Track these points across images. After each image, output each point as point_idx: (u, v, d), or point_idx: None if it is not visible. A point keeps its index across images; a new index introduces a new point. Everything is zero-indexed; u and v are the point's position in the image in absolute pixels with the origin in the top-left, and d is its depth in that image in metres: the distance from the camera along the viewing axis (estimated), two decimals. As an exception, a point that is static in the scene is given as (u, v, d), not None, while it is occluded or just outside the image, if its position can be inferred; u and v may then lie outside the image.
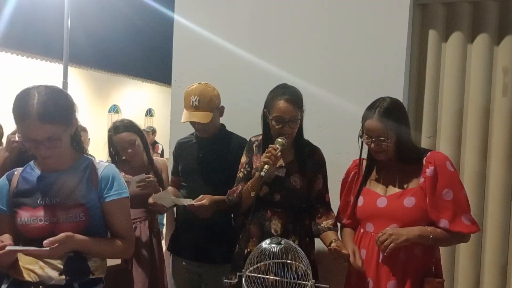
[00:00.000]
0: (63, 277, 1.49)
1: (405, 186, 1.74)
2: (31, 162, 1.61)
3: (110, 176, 1.58)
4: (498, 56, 2.26)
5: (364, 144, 1.80)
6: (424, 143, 2.36)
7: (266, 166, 1.81)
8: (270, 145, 1.87)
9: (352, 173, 1.90)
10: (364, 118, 1.76)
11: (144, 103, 14.46)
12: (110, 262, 2.14)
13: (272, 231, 1.90)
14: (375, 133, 1.72)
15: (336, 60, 2.40)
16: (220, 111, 2.27)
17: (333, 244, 1.74)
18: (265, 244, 1.51)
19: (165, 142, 7.70)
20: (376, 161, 1.83)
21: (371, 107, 1.75)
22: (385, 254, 1.66)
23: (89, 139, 3.93)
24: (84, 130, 4.09)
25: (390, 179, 1.78)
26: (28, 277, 1.49)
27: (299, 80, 2.41)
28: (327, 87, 2.40)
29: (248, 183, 1.94)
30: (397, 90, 2.24)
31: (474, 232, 1.73)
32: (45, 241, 1.39)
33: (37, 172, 1.57)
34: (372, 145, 1.74)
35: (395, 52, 2.27)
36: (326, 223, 1.93)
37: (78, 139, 1.63)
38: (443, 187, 1.68)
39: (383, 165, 1.81)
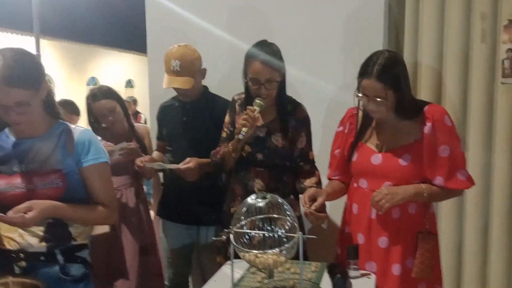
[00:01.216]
0: (44, 243, 1.48)
1: (401, 142, 1.69)
2: (6, 129, 1.56)
3: (87, 141, 1.54)
4: (476, 1, 2.23)
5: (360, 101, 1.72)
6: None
7: (244, 129, 1.80)
8: (248, 107, 1.85)
9: (348, 124, 1.82)
10: (361, 76, 1.64)
11: (123, 74, 14.13)
12: (99, 230, 2.15)
13: (255, 189, 1.91)
14: (372, 93, 1.62)
15: (314, 17, 2.37)
16: (202, 73, 2.23)
17: (308, 209, 1.68)
18: (251, 199, 1.52)
19: (147, 112, 7.61)
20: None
21: (368, 64, 1.63)
22: (380, 213, 1.65)
23: None
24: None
25: (386, 135, 1.73)
26: (8, 245, 1.48)
27: (278, 38, 2.38)
28: (307, 45, 2.38)
29: (229, 144, 1.93)
30: (376, 42, 2.23)
31: (468, 188, 1.73)
32: (9, 211, 1.37)
33: (12, 138, 1.53)
34: (370, 105, 1.65)
35: (374, 4, 2.25)
36: (309, 181, 1.93)
37: (51, 103, 1.57)
38: (440, 143, 1.65)
39: (379, 120, 1.74)
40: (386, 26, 2.30)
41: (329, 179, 1.91)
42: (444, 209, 2.35)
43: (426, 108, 1.68)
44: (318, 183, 1.95)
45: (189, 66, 2.10)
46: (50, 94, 1.56)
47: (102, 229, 2.22)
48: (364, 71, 1.63)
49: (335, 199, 1.88)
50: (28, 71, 1.40)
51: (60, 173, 1.49)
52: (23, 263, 1.47)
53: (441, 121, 1.66)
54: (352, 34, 2.31)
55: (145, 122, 6.89)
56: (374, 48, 2.20)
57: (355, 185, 1.81)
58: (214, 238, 1.82)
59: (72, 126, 1.59)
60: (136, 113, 7.05)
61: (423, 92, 2.34)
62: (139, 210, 2.48)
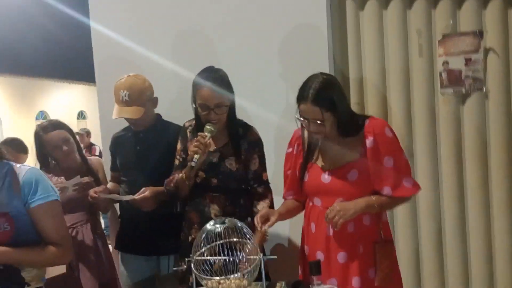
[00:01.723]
0: None
1: (347, 159, 1.74)
2: None
3: (34, 180, 1.48)
4: (411, 19, 2.38)
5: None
6: (354, 109, 2.46)
7: (196, 156, 1.80)
8: (199, 133, 1.85)
9: (295, 145, 1.86)
10: (298, 100, 1.70)
11: (74, 105, 13.78)
12: (55, 271, 2.05)
13: (212, 215, 1.90)
14: (310, 116, 1.68)
15: (259, 40, 2.43)
16: (153, 102, 2.22)
17: (260, 229, 1.71)
18: (209, 225, 1.51)
19: (101, 143, 7.42)
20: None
21: (304, 88, 1.69)
22: (335, 229, 1.68)
23: None
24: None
25: (332, 154, 1.77)
26: None
27: (226, 62, 2.42)
28: (253, 68, 2.43)
29: (182, 172, 1.91)
30: (323, 61, 2.32)
31: (415, 193, 1.80)
32: None
33: None
34: (310, 127, 1.71)
35: (317, 25, 2.35)
36: (262, 205, 1.94)
37: None
38: (384, 155, 1.70)
39: (324, 140, 1.78)
40: (331, 47, 2.39)
41: (284, 198, 1.93)
42: (400, 218, 2.44)
43: (366, 122, 1.74)
44: (271, 206, 1.95)
45: (138, 95, 2.09)
46: None
47: (58, 270, 2.12)
48: (301, 96, 1.69)
49: (288, 218, 1.90)
50: None
51: (7, 216, 1.42)
52: None
53: (382, 134, 1.72)
54: (296, 57, 2.38)
55: (100, 154, 6.71)
56: (321, 68, 2.30)
57: (310, 204, 1.84)
58: (174, 268, 1.78)
59: (17, 165, 1.52)
60: (91, 145, 6.86)
61: (370, 106, 2.44)
62: (97, 246, 2.39)
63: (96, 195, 2.15)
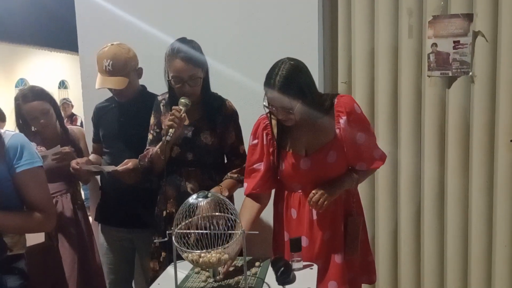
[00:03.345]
0: None
1: (323, 141, 1.72)
2: None
3: (19, 145, 1.46)
4: (403, -2, 2.35)
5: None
6: (341, 89, 2.45)
7: (171, 130, 1.76)
8: (173, 107, 1.80)
9: (263, 134, 1.78)
10: (265, 87, 1.65)
11: (55, 74, 13.42)
12: (33, 240, 2.03)
13: (189, 190, 1.87)
14: (277, 104, 1.64)
15: (249, 12, 2.37)
16: (138, 73, 2.16)
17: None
18: (192, 199, 1.49)
19: (82, 113, 7.29)
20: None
21: (270, 76, 1.62)
22: (320, 211, 1.70)
23: None
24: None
25: (307, 138, 1.74)
26: None
27: (213, 33, 2.37)
28: (241, 41, 2.38)
29: (157, 147, 1.88)
30: (312, 39, 2.28)
31: (384, 163, 1.83)
32: None
33: None
34: (278, 114, 1.67)
35: (307, 2, 2.29)
36: (230, 173, 1.91)
37: None
38: (357, 132, 1.71)
39: (296, 126, 1.73)
40: (321, 25, 2.35)
41: (247, 194, 1.82)
42: (380, 200, 2.47)
43: (335, 101, 1.72)
44: (240, 174, 1.89)
45: (122, 65, 2.03)
46: None
47: (36, 239, 2.09)
48: (268, 83, 1.64)
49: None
50: None
51: None
52: None
53: (353, 111, 1.71)
54: (286, 35, 2.33)
55: (82, 124, 6.60)
56: (310, 46, 2.26)
57: (286, 192, 1.81)
58: (155, 240, 1.78)
59: (2, 131, 1.49)
60: (72, 115, 6.73)
61: (357, 85, 2.43)
62: (76, 217, 2.36)
63: (77, 167, 2.11)
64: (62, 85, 13.85)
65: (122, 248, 2.24)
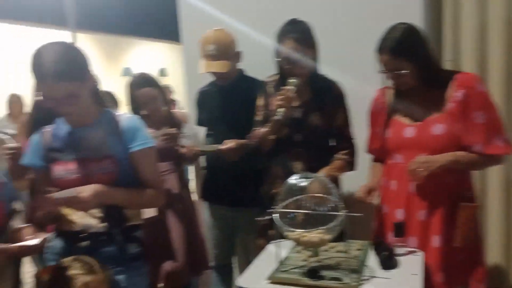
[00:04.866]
0: (103, 224, 1.55)
1: (433, 113, 1.68)
2: (60, 119, 1.64)
3: (133, 127, 1.60)
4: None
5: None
6: (446, 67, 2.30)
7: (280, 110, 1.80)
8: (283, 87, 1.84)
9: (378, 103, 1.85)
10: (377, 52, 1.69)
11: (156, 63, 14.32)
12: (146, 214, 2.22)
13: (296, 170, 1.90)
14: (389, 67, 1.66)
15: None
16: (238, 56, 2.24)
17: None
18: (294, 179, 1.53)
19: (180, 99, 7.68)
20: (401, 90, 1.77)
21: (383, 39, 1.67)
22: (418, 182, 1.65)
23: None
24: None
25: (417, 107, 1.72)
26: (70, 227, 1.56)
27: (313, 13, 2.35)
28: (342, 16, 2.33)
29: (266, 127, 1.93)
30: (414, 13, 2.16)
31: (509, 153, 1.69)
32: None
33: (66, 128, 1.60)
34: (391, 78, 1.69)
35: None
36: (340, 154, 1.92)
37: (97, 93, 1.64)
38: (475, 109, 1.62)
39: (409, 93, 1.74)
40: (424, 5, 2.22)
41: (371, 153, 1.94)
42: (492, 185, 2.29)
43: (457, 76, 1.67)
44: (351, 160, 1.92)
45: (225, 49, 2.12)
46: (95, 84, 1.61)
47: (148, 213, 2.29)
48: (380, 47, 1.67)
49: None
50: (74, 64, 1.45)
51: (113, 159, 1.55)
52: (85, 243, 1.56)
53: (474, 88, 1.64)
54: (389, 13, 2.23)
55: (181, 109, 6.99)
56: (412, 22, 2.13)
57: (390, 161, 1.80)
58: (257, 219, 1.84)
59: (119, 113, 1.65)
60: (172, 101, 7.16)
61: (465, 65, 2.26)
62: (182, 195, 2.54)
63: (186, 150, 2.24)
64: (162, 72, 14.73)
65: (224, 225, 2.37)
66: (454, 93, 1.64)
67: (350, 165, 1.93)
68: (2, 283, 1.35)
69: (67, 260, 1.42)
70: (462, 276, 1.73)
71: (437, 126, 1.67)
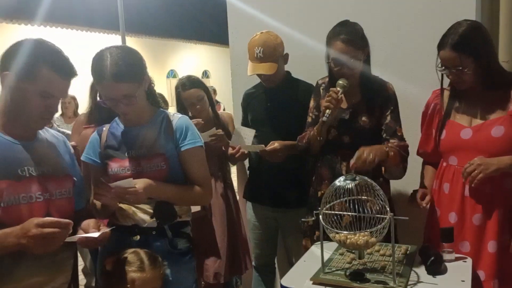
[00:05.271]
0: (154, 219, 1.62)
1: (492, 114, 1.64)
2: (116, 118, 1.73)
3: (184, 127, 1.65)
4: None
5: (444, 75, 1.70)
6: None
7: (327, 111, 1.80)
8: (331, 89, 1.84)
9: (433, 104, 1.81)
10: (438, 48, 1.65)
11: (199, 65, 14.63)
12: (192, 209, 2.27)
13: (343, 172, 1.89)
14: (450, 63, 1.62)
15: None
16: (285, 58, 2.27)
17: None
18: (340, 181, 1.52)
19: (222, 101, 7.80)
20: (459, 90, 1.72)
21: (445, 35, 1.64)
22: (472, 185, 1.60)
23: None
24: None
25: (475, 109, 1.67)
26: (123, 221, 1.65)
27: (362, 15, 2.32)
28: (394, 17, 2.28)
29: (315, 128, 1.94)
30: (469, 13, 2.09)
31: None
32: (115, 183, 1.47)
33: (122, 127, 1.69)
34: (450, 76, 1.65)
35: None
36: (390, 143, 1.85)
37: (152, 93, 1.71)
38: None
39: (467, 94, 1.70)
40: (479, 5, 2.15)
41: (422, 156, 1.91)
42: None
43: None
44: (402, 148, 1.84)
45: (272, 52, 2.15)
46: (151, 85, 1.69)
47: (194, 209, 2.35)
48: (441, 43, 1.64)
49: None
50: (132, 66, 1.53)
51: (164, 157, 1.61)
52: (138, 237, 1.63)
53: None
54: (443, 13, 2.17)
55: (224, 110, 7.10)
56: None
57: (444, 164, 1.77)
58: (302, 220, 1.86)
59: (171, 113, 1.71)
60: (216, 102, 7.28)
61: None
62: (226, 195, 2.59)
63: (232, 151, 2.30)
64: (205, 74, 14.99)
65: (267, 225, 2.39)
66: None
67: (403, 159, 1.84)
68: (61, 274, 1.43)
69: (126, 252, 1.50)
70: None
71: (497, 128, 1.61)
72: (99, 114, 2.20)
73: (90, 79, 1.64)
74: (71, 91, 1.55)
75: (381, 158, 1.67)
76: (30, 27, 8.84)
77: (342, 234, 1.50)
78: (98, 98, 2.36)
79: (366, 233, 1.49)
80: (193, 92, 2.52)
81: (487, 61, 1.60)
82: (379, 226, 1.46)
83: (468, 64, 1.58)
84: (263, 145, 2.15)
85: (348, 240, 1.50)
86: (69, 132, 2.93)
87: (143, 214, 1.63)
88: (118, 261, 1.50)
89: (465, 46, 1.59)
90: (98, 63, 1.51)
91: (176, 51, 13.75)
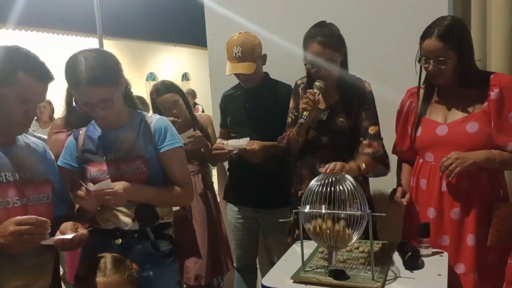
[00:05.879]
0: (136, 222, 1.61)
1: (467, 111, 1.67)
2: (93, 121, 1.70)
3: (163, 128, 1.64)
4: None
5: (422, 71, 1.73)
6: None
7: (305, 113, 1.81)
8: (308, 90, 1.85)
9: (408, 102, 1.83)
10: (422, 38, 1.67)
11: (179, 68, 14.56)
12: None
13: (321, 172, 1.91)
14: (433, 54, 1.63)
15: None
16: (263, 59, 2.28)
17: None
18: (318, 181, 1.53)
19: (203, 103, 7.78)
20: (435, 87, 1.76)
21: (430, 26, 1.66)
22: (449, 179, 1.63)
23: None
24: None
25: (450, 106, 1.71)
26: (105, 225, 1.62)
27: (338, 15, 2.35)
28: (368, 18, 2.32)
29: (293, 129, 1.95)
30: (442, 12, 2.13)
31: None
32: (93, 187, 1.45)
33: (99, 130, 1.66)
34: (430, 67, 1.66)
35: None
36: (364, 150, 1.86)
37: (130, 95, 1.69)
38: (510, 109, 1.61)
39: (442, 91, 1.74)
40: (451, 4, 2.20)
41: (397, 154, 1.94)
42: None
43: (492, 76, 1.66)
44: (375, 152, 1.85)
45: (251, 52, 2.16)
46: (128, 87, 1.67)
47: (173, 209, 2.33)
48: (426, 33, 1.66)
49: None
50: (108, 69, 1.50)
51: (143, 159, 1.60)
52: (119, 240, 1.61)
53: (509, 87, 1.62)
54: (415, 13, 2.21)
55: (203, 112, 7.09)
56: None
57: (420, 160, 1.80)
58: (280, 220, 1.86)
59: (149, 115, 1.70)
60: (194, 105, 7.27)
61: (494, 64, 2.22)
62: (206, 196, 2.58)
63: (218, 151, 2.28)
64: (185, 77, 14.90)
65: (247, 226, 2.39)
66: (490, 92, 1.63)
67: (377, 161, 1.85)
68: (41, 278, 1.41)
69: (99, 257, 1.48)
70: (495, 276, 1.70)
71: (472, 124, 1.65)
72: (76, 117, 2.16)
73: (66, 83, 1.61)
74: (47, 96, 1.53)
75: (353, 175, 1.63)
76: (4, 31, 8.66)
77: (318, 220, 1.48)
78: (74, 104, 2.31)
79: (342, 223, 1.48)
80: (168, 97, 2.51)
81: (467, 57, 1.64)
82: (353, 212, 1.45)
83: (451, 57, 1.61)
84: (242, 143, 2.15)
85: (325, 225, 1.48)
86: (45, 137, 2.87)
87: (124, 217, 1.61)
88: (90, 266, 1.47)
89: (451, 37, 1.61)
90: (72, 67, 1.48)
91: (155, 54, 13.66)
